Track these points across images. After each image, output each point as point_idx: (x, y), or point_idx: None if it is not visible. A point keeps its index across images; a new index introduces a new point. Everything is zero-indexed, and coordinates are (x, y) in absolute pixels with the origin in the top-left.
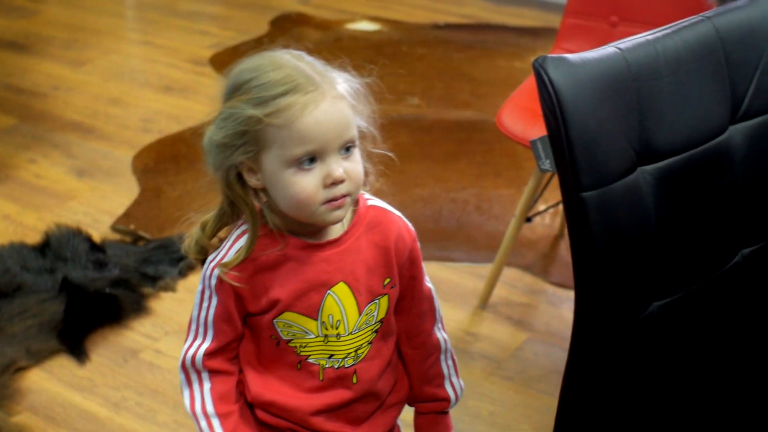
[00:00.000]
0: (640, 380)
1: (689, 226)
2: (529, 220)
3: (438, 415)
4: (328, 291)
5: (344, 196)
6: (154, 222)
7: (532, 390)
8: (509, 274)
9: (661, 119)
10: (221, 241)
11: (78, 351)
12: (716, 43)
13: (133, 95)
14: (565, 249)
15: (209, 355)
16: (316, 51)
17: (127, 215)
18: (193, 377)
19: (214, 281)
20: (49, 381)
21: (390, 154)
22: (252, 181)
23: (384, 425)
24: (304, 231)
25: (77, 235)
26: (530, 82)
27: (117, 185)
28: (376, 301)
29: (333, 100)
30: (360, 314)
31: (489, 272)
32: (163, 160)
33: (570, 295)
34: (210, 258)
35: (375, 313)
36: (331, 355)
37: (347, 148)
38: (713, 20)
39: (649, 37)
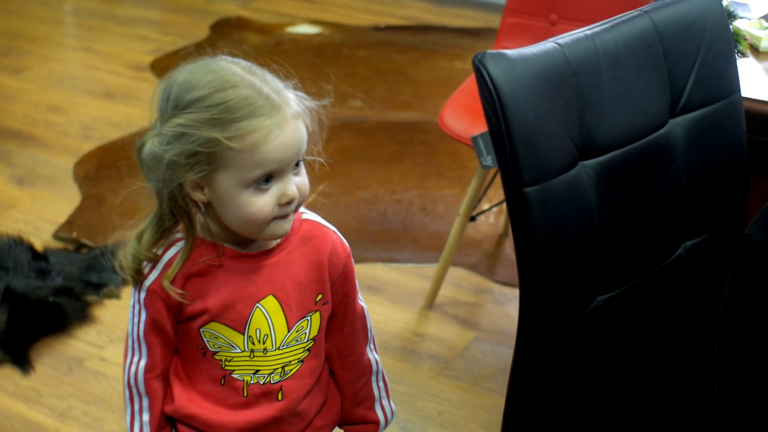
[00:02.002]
0: (585, 374)
1: (632, 220)
2: (473, 219)
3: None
4: (257, 304)
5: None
6: (96, 229)
7: (481, 389)
8: (455, 273)
9: (601, 114)
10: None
11: (22, 361)
12: (654, 37)
13: (73, 102)
14: (509, 248)
15: (149, 372)
16: (257, 55)
17: (69, 223)
18: (135, 399)
19: (143, 295)
20: None
21: (320, 160)
22: (197, 195)
23: None
24: (238, 241)
25: (19, 244)
26: (471, 81)
27: (58, 193)
28: (308, 317)
29: (293, 121)
30: (289, 330)
31: (434, 272)
32: (105, 167)
33: (516, 293)
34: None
35: (307, 331)
36: (257, 371)
37: (297, 164)
38: (651, 14)
39: (588, 32)
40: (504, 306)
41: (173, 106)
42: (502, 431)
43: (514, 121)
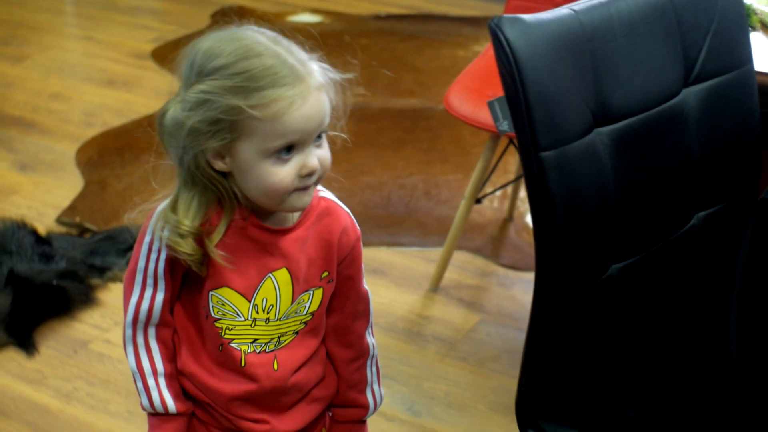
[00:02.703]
0: (600, 341)
1: (646, 188)
2: (479, 201)
3: (355, 425)
4: (269, 274)
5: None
6: (99, 214)
7: (486, 370)
8: (460, 257)
9: (616, 81)
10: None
11: (26, 343)
12: (668, 5)
13: (75, 90)
14: (514, 232)
15: (155, 302)
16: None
17: (72, 208)
18: (139, 334)
19: (167, 233)
20: None
21: (343, 136)
22: (218, 164)
23: (306, 416)
24: (260, 214)
25: (22, 228)
26: (476, 64)
27: (60, 179)
28: (310, 291)
29: (317, 92)
30: (292, 302)
31: (439, 256)
32: (108, 153)
33: (521, 276)
34: (159, 209)
35: (307, 304)
36: (255, 340)
37: (319, 135)
38: None
39: None
40: (509, 289)
41: (197, 72)
42: (516, 401)
43: (530, 85)
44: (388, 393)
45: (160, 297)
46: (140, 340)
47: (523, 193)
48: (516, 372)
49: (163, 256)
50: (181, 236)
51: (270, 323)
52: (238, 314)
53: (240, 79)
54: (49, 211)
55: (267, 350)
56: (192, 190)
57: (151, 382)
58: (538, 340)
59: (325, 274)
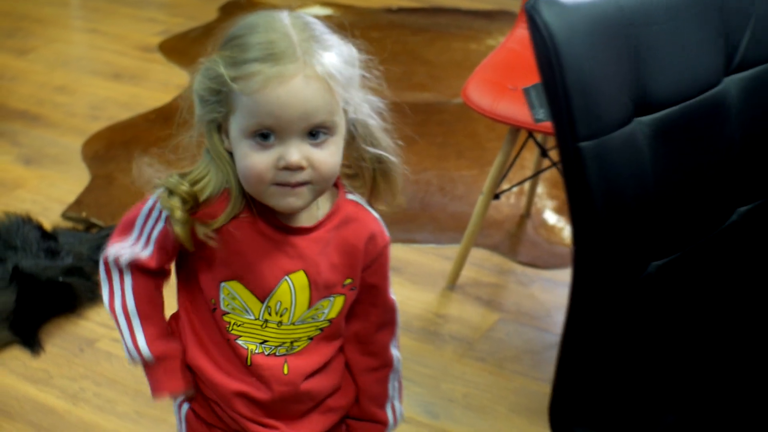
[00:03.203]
0: (638, 343)
1: (686, 181)
2: (496, 197)
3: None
4: (286, 276)
5: (301, 184)
6: (106, 209)
7: (506, 371)
8: (477, 254)
9: (657, 67)
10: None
11: (32, 342)
12: None
13: (81, 83)
14: (531, 228)
15: (138, 262)
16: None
17: (78, 203)
18: (114, 273)
19: (161, 190)
20: (3, 373)
21: (379, 154)
22: (226, 143)
23: (320, 426)
24: (274, 210)
25: (27, 223)
26: (495, 56)
27: (66, 173)
28: (331, 298)
29: (305, 78)
30: (309, 307)
31: (456, 253)
32: (114, 147)
33: (540, 274)
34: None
35: (326, 311)
36: (264, 341)
37: (315, 134)
38: None
39: None
40: (527, 287)
41: (219, 43)
42: (550, 406)
43: (569, 71)
44: (405, 394)
45: (140, 254)
46: (115, 280)
47: (540, 189)
48: (536, 373)
49: (159, 227)
50: (173, 194)
51: (282, 327)
52: (247, 311)
53: (236, 50)
54: (54, 205)
55: (277, 354)
56: (207, 165)
57: (123, 322)
58: (575, 341)
59: (349, 281)
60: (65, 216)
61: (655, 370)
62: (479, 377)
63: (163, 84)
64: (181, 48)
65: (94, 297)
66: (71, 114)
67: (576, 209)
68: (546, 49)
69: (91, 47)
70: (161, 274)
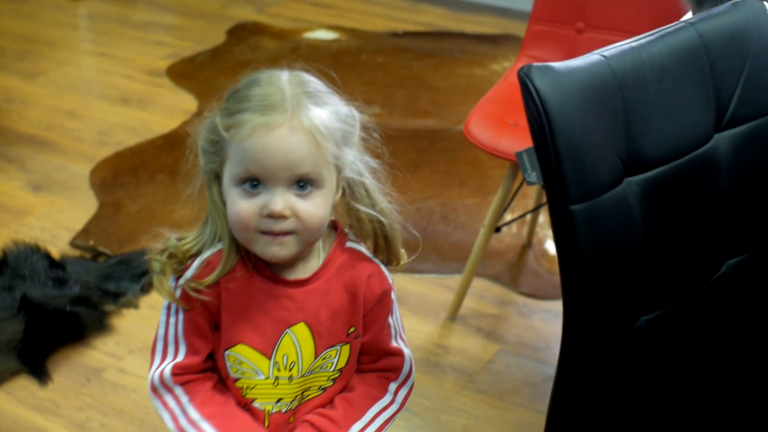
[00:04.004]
0: (628, 395)
1: (676, 237)
2: (497, 230)
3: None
4: (287, 330)
5: (285, 233)
6: (114, 237)
7: (506, 403)
8: (478, 284)
9: (648, 128)
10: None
11: (39, 371)
12: (700, 49)
13: (89, 107)
14: (533, 259)
15: (179, 368)
16: (273, 60)
17: (86, 231)
18: (167, 397)
19: (179, 292)
20: (10, 403)
21: (374, 215)
22: (223, 193)
23: None
24: (270, 263)
25: (35, 252)
26: (496, 90)
27: (74, 200)
28: (337, 348)
29: (291, 129)
30: (316, 357)
31: (458, 283)
32: (122, 174)
33: (541, 305)
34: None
35: (334, 360)
36: (279, 399)
37: (302, 186)
38: (696, 26)
39: (634, 44)
40: (528, 318)
41: (224, 98)
42: None
43: (561, 136)
44: (405, 426)
45: (173, 363)
46: (172, 404)
47: (542, 219)
48: (536, 405)
49: (181, 318)
50: (162, 270)
51: (293, 381)
52: (257, 372)
53: (233, 101)
54: (62, 233)
55: (292, 408)
56: (206, 221)
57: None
58: (566, 391)
59: (352, 329)
60: (73, 244)
61: (645, 419)
62: (479, 409)
63: (171, 109)
64: (188, 72)
65: (101, 327)
66: (80, 139)
67: (566, 267)
68: (538, 115)
69: (99, 71)
70: (212, 369)
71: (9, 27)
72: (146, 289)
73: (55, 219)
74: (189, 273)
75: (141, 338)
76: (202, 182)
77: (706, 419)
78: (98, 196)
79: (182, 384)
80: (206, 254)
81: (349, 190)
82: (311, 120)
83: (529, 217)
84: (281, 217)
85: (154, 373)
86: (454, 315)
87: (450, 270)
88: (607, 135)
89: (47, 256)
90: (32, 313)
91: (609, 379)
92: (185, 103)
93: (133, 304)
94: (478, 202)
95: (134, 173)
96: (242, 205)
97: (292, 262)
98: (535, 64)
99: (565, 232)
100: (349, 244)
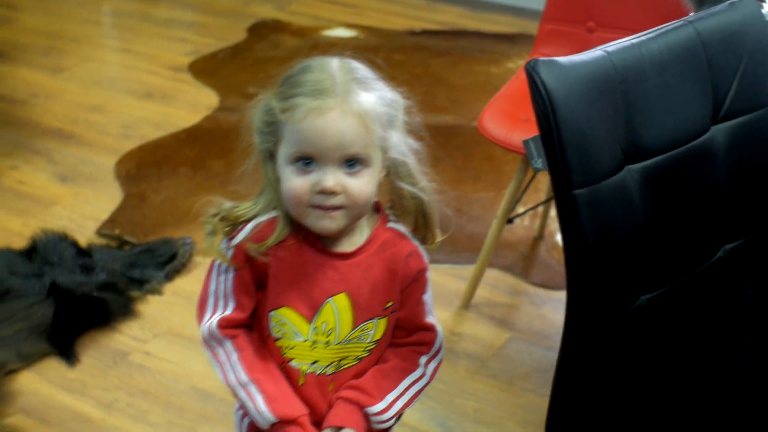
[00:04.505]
0: (629, 371)
1: (675, 222)
2: (510, 221)
3: (350, 405)
4: (329, 299)
5: (335, 208)
6: (138, 227)
7: (516, 388)
8: (491, 275)
9: (647, 119)
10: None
11: (68, 353)
12: (698, 46)
13: (113, 102)
14: (545, 250)
15: (223, 325)
16: (292, 58)
17: (111, 220)
18: (218, 350)
19: (230, 252)
20: (41, 383)
21: (416, 192)
22: (277, 169)
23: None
24: (319, 235)
25: (63, 240)
26: (509, 86)
27: (100, 191)
28: (374, 320)
29: (342, 113)
30: (353, 329)
31: (471, 273)
32: (146, 166)
33: (551, 295)
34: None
35: (371, 332)
36: (315, 361)
37: (351, 164)
38: (695, 24)
39: (635, 40)
40: (539, 307)
41: (278, 83)
42: (546, 425)
43: (565, 126)
44: (420, 408)
45: (217, 316)
46: (222, 357)
47: (553, 212)
48: (545, 390)
49: (230, 275)
50: (213, 231)
51: (330, 346)
52: (297, 334)
53: (288, 86)
54: (88, 222)
55: (327, 373)
56: (262, 193)
57: (242, 393)
58: (569, 368)
59: (389, 304)
60: (99, 233)
61: (644, 395)
62: (490, 393)
63: (193, 104)
64: (210, 69)
65: (126, 312)
66: (105, 133)
67: (570, 249)
68: (544, 106)
69: (123, 66)
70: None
71: (34, 23)
72: (170, 276)
73: (81, 209)
74: (242, 235)
75: (165, 323)
76: (257, 160)
77: (701, 397)
78: (123, 188)
79: (231, 338)
80: (260, 219)
81: (393, 170)
82: (360, 104)
83: (541, 210)
84: (332, 192)
85: (204, 326)
86: (467, 303)
87: (464, 260)
88: (609, 125)
89: (75, 245)
90: (61, 298)
91: (610, 355)
92: (207, 98)
93: (157, 291)
94: (492, 196)
95: (158, 166)
96: (296, 182)
97: (339, 235)
98: (542, 58)
99: (569, 215)
100: (390, 225)
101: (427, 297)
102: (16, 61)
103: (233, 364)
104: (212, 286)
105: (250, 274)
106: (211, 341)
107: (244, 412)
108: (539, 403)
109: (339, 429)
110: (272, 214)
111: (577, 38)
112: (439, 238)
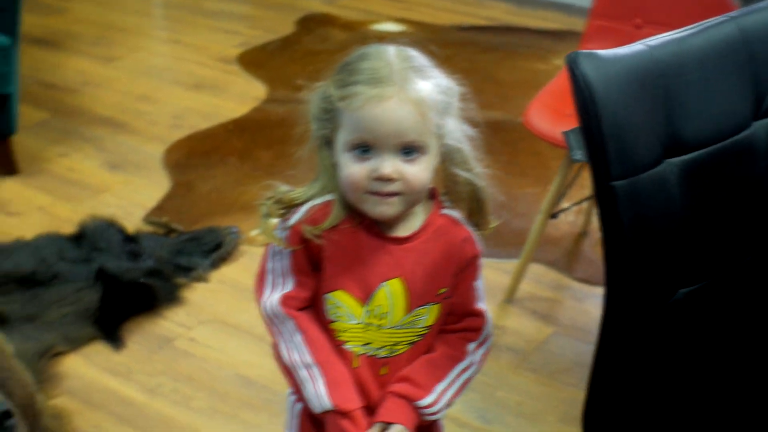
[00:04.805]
0: (666, 365)
1: (713, 217)
2: (554, 216)
3: (400, 399)
4: (384, 283)
5: (392, 194)
6: (186, 215)
7: (558, 382)
8: (534, 269)
9: (687, 114)
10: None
11: (114, 338)
12: (740, 42)
13: (163, 92)
14: (588, 246)
15: (286, 302)
16: (341, 51)
17: (159, 208)
18: (282, 327)
19: (285, 234)
20: (86, 366)
21: (471, 178)
22: (334, 156)
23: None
24: (378, 221)
25: (111, 226)
26: (556, 82)
27: (148, 179)
28: (427, 306)
29: (399, 101)
30: (407, 314)
31: (515, 268)
32: (194, 156)
33: (594, 291)
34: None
35: (424, 318)
36: (367, 343)
37: (408, 152)
38: (737, 20)
39: (676, 35)
40: (582, 303)
41: (335, 70)
42: (583, 420)
43: (604, 118)
44: (461, 400)
45: (279, 294)
46: (286, 334)
47: None
48: (586, 385)
49: (286, 254)
50: (268, 213)
51: (382, 330)
52: (351, 317)
53: (346, 74)
54: (137, 210)
55: (378, 356)
56: (317, 179)
57: (304, 373)
58: (606, 360)
59: (443, 290)
60: (147, 221)
61: (681, 389)
62: (532, 387)
63: (241, 96)
64: (258, 60)
65: (172, 298)
66: (154, 122)
67: (609, 241)
68: (584, 98)
69: (172, 57)
70: (308, 303)
71: (86, 14)
72: (216, 264)
73: (129, 197)
74: (296, 216)
75: (210, 310)
76: (313, 145)
77: (738, 391)
78: (171, 176)
79: (293, 317)
80: (315, 202)
81: (448, 156)
82: (417, 92)
83: (585, 206)
84: (389, 179)
85: (266, 302)
86: (510, 297)
87: (508, 255)
88: (648, 118)
89: (122, 231)
90: (108, 283)
91: (647, 348)
92: (255, 90)
93: (203, 278)
94: (537, 192)
95: (206, 155)
96: (354, 169)
97: (395, 221)
98: (582, 51)
99: (607, 207)
100: (445, 211)
101: (479, 283)
102: (68, 51)
103: (297, 345)
104: (269, 265)
105: (305, 255)
106: (273, 317)
107: (297, 397)
108: (580, 397)
109: (388, 425)
110: (327, 197)
111: (625, 35)
112: (493, 223)
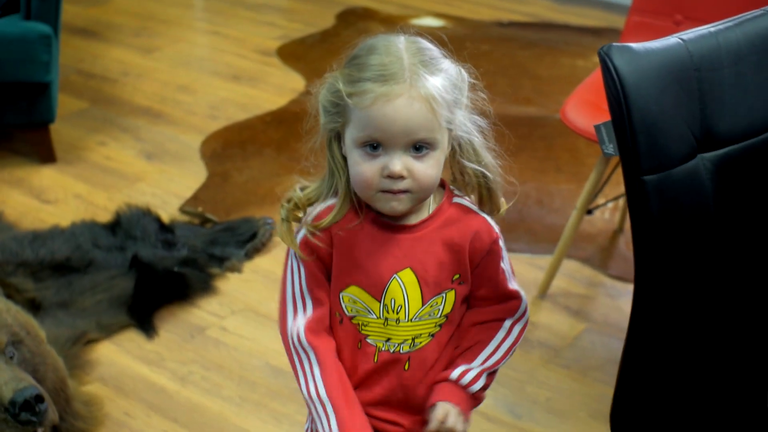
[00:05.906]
0: (696, 362)
1: (747, 214)
2: (590, 212)
3: (449, 383)
4: (394, 275)
5: (403, 191)
6: (221, 205)
7: (589, 378)
8: (568, 265)
9: (722, 108)
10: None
11: (147, 326)
12: None
13: (201, 83)
14: (624, 243)
15: (311, 327)
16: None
17: (195, 198)
18: (303, 357)
19: (299, 240)
20: (119, 353)
21: (480, 170)
22: (343, 149)
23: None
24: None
25: (147, 215)
26: (594, 77)
27: (185, 169)
28: (443, 294)
29: (409, 99)
30: (423, 304)
31: (549, 263)
32: (231, 146)
33: (628, 288)
34: (296, 229)
35: (440, 307)
36: (389, 339)
37: (418, 148)
38: None
39: (712, 29)
40: (616, 299)
41: (343, 62)
42: (611, 413)
43: (636, 111)
44: (491, 395)
45: (304, 320)
46: (306, 365)
47: None
48: None
49: (303, 271)
50: (287, 217)
51: (401, 324)
52: (369, 312)
53: (355, 69)
54: (172, 199)
55: (401, 351)
56: (327, 175)
57: (319, 409)
58: (635, 356)
59: (457, 276)
60: (182, 210)
61: (710, 387)
62: (563, 383)
63: (279, 88)
64: (298, 53)
65: (205, 288)
66: (191, 113)
67: (638, 235)
68: (616, 91)
69: (212, 49)
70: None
71: (127, 5)
72: (250, 254)
73: (165, 186)
74: (302, 228)
75: (243, 300)
76: (322, 138)
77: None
78: (207, 167)
79: (314, 348)
80: (321, 204)
81: (458, 148)
82: (428, 90)
83: (621, 202)
84: (399, 177)
85: (292, 331)
86: (543, 293)
87: (541, 251)
88: (682, 112)
89: (157, 220)
90: (142, 271)
91: (676, 345)
92: (293, 82)
93: (236, 269)
94: (573, 188)
95: (242, 146)
96: (364, 167)
97: (406, 213)
98: (615, 44)
99: (638, 201)
100: (455, 200)
101: (505, 264)
102: (108, 41)
103: (315, 378)
104: (288, 287)
105: (319, 266)
106: (297, 348)
107: (310, 427)
108: (612, 394)
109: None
110: (330, 201)
111: (664, 31)
112: (504, 207)
